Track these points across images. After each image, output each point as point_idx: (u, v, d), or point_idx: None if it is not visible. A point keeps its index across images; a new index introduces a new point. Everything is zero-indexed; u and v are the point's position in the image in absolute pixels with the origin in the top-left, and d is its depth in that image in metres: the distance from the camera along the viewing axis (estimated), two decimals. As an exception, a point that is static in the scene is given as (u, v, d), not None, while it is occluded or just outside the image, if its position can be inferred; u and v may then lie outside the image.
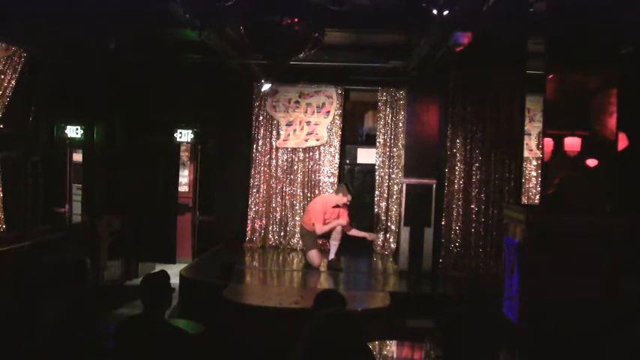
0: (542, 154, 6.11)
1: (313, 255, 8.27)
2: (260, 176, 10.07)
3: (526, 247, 5.05)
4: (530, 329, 4.93)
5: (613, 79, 5.51)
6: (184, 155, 11.21)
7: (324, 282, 7.90)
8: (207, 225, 10.37)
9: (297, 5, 5.95)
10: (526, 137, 8.65)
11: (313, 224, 8.17)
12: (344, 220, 8.25)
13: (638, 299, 4.78)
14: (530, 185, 9.56)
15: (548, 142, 5.71)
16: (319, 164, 10.02)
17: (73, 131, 8.61)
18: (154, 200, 10.19)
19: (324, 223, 8.17)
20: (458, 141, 8.27)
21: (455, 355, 3.31)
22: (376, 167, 9.95)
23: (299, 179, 10.03)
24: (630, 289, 4.84)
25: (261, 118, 10.10)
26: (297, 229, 9.77)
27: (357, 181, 10.35)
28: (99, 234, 8.60)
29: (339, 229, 8.22)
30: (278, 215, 10.07)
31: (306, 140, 10.01)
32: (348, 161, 10.35)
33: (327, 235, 8.47)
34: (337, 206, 8.24)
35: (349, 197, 8.20)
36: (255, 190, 10.06)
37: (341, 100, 10.02)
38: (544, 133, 6.03)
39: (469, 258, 8.20)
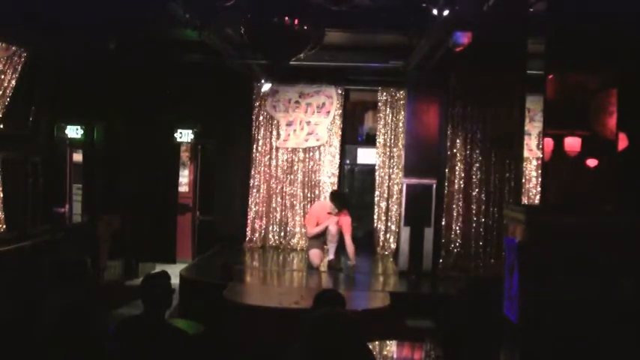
0: (542, 154, 6.11)
1: (314, 254, 8.26)
2: (260, 176, 10.07)
3: (526, 247, 5.04)
4: (530, 329, 4.93)
5: (613, 79, 5.51)
6: (184, 155, 11.22)
7: (324, 282, 7.89)
8: (207, 225, 10.38)
9: (297, 5, 5.95)
10: (526, 137, 8.64)
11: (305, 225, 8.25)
12: (336, 224, 8.14)
13: (637, 299, 4.77)
14: (530, 185, 9.55)
15: (548, 142, 5.70)
16: (319, 164, 10.01)
17: (73, 131, 8.62)
18: (154, 200, 10.19)
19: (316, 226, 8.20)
20: (458, 141, 8.26)
21: (455, 355, 3.31)
22: (376, 167, 9.95)
23: (299, 179, 10.03)
24: (630, 289, 4.83)
25: (261, 118, 10.10)
26: (297, 229, 9.79)
27: (357, 181, 10.35)
28: (99, 234, 8.60)
29: (333, 231, 8.11)
30: (278, 215, 10.07)
31: (306, 140, 10.01)
32: (348, 161, 10.35)
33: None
34: (332, 213, 8.20)
35: (335, 209, 8.13)
36: (255, 190, 10.06)
37: (341, 100, 10.02)
38: (544, 133, 6.02)
39: (469, 258, 8.19)
